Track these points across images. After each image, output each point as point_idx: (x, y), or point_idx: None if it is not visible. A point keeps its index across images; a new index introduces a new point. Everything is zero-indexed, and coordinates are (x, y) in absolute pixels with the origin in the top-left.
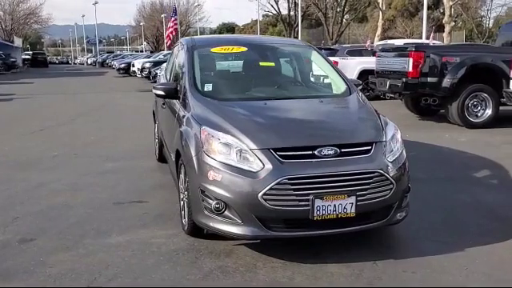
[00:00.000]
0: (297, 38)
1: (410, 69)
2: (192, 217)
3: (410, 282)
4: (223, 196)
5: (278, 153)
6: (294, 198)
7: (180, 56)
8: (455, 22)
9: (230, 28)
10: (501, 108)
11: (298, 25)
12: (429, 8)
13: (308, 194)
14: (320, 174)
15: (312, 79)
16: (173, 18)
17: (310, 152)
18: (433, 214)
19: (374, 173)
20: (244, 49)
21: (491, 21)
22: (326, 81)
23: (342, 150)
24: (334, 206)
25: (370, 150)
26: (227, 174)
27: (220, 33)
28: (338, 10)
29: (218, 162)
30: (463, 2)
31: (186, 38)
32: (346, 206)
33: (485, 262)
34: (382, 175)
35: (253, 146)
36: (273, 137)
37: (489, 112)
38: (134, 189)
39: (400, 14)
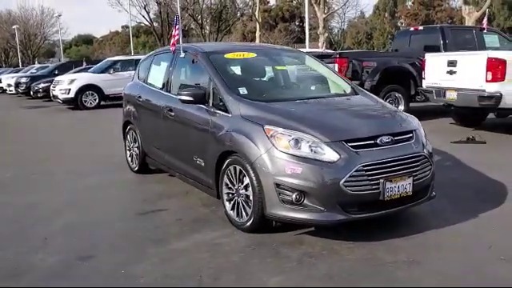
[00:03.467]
0: None
1: None
2: (264, 211)
3: (471, 243)
4: (304, 187)
5: (349, 144)
6: (368, 182)
7: (185, 63)
8: (328, 32)
9: (87, 40)
10: (411, 104)
11: (171, 36)
12: (286, 21)
13: (379, 178)
14: (388, 160)
15: (317, 80)
16: (177, 26)
17: (373, 141)
18: None
19: (420, 156)
20: (254, 54)
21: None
22: (330, 82)
23: (395, 138)
24: (398, 186)
25: (412, 137)
26: (306, 166)
27: (76, 45)
28: (208, 21)
29: (294, 157)
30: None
31: (186, 44)
32: (406, 186)
33: (499, 223)
34: (425, 157)
35: (326, 139)
36: (341, 130)
37: (402, 108)
38: (140, 199)
39: (261, 26)
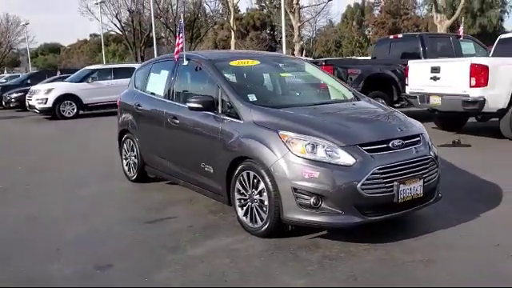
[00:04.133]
0: (143, 56)
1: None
2: (281, 216)
3: (478, 242)
4: (322, 190)
5: (364, 148)
6: (383, 185)
7: (188, 71)
8: (302, 40)
9: (54, 48)
10: None
11: (144, 44)
12: (257, 29)
13: (393, 181)
14: (401, 163)
15: (320, 86)
16: (181, 34)
17: (385, 145)
18: None
19: (428, 158)
20: (257, 62)
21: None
22: (332, 88)
23: (405, 142)
24: (411, 189)
25: (420, 140)
26: (324, 170)
27: (43, 54)
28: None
29: (311, 161)
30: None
31: (188, 52)
32: (417, 188)
33: (501, 222)
34: (433, 160)
35: (341, 143)
36: (355, 134)
37: None
38: (145, 208)
39: (236, 34)
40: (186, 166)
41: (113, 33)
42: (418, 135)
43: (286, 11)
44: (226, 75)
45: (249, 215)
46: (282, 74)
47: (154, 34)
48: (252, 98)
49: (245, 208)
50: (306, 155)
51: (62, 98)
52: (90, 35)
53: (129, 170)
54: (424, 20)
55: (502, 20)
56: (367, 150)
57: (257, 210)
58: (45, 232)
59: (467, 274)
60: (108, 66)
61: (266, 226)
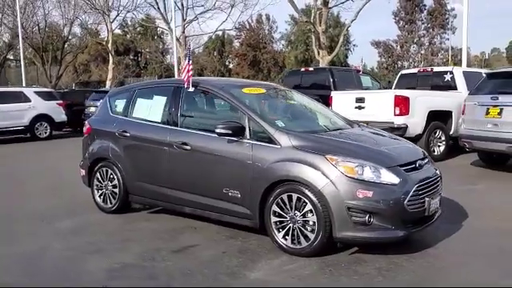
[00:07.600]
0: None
1: None
2: (334, 234)
3: (484, 246)
4: (376, 208)
5: (402, 168)
6: (419, 200)
7: (194, 98)
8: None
9: None
10: None
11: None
12: (120, 54)
13: (425, 197)
14: (430, 180)
15: (320, 113)
16: (190, 61)
17: (414, 165)
18: None
19: (439, 176)
20: (264, 90)
21: None
22: (327, 115)
23: (423, 162)
24: (434, 203)
25: (429, 160)
26: (376, 189)
27: None
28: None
29: (362, 181)
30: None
31: (195, 78)
32: (437, 202)
33: (484, 230)
34: (440, 177)
35: (385, 164)
36: (391, 156)
37: None
38: (154, 238)
39: (93, 58)
40: (201, 192)
41: None
42: (426, 156)
43: (177, 40)
44: (246, 102)
45: (289, 237)
46: (291, 102)
47: (21, 56)
48: (280, 123)
49: (283, 230)
50: (356, 176)
51: None
52: None
53: (104, 201)
54: (280, 54)
55: (347, 57)
56: (405, 170)
57: (300, 230)
58: (67, 269)
59: (502, 272)
60: (8, 89)
61: (314, 246)
